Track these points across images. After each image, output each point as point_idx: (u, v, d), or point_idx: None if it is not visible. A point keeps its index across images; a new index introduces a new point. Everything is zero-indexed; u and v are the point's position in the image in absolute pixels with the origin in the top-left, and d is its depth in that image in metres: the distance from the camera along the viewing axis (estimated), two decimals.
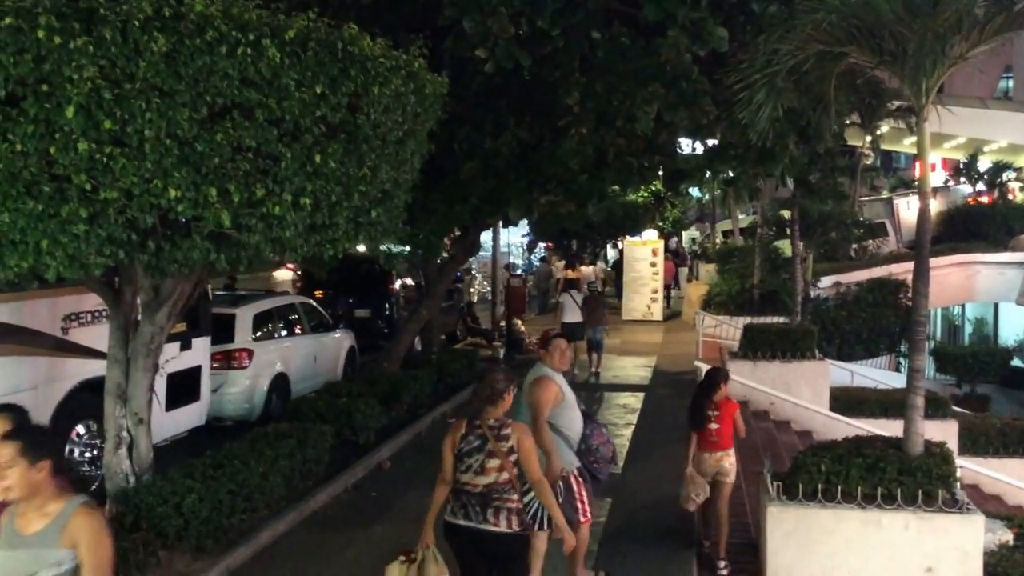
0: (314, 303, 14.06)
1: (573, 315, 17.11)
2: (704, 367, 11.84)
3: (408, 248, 13.70)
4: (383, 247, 11.03)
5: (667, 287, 27.94)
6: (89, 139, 4.88)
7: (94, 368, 7.94)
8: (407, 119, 6.90)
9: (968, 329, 30.37)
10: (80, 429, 8.31)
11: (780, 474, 7.23)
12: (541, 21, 8.68)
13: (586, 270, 27.01)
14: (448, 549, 5.19)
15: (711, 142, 11.99)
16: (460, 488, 5.10)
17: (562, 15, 8.87)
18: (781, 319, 18.19)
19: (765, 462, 7.47)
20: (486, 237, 20.03)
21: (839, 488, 6.70)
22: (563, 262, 29.25)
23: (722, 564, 7.26)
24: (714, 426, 7.40)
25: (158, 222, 5.34)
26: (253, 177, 5.54)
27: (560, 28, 8.94)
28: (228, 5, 5.35)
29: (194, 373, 10.02)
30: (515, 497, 5.11)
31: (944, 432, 12.41)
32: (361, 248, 11.49)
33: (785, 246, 21.00)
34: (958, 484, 6.87)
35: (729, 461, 7.47)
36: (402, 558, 5.21)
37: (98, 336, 7.90)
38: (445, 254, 14.97)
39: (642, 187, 16.57)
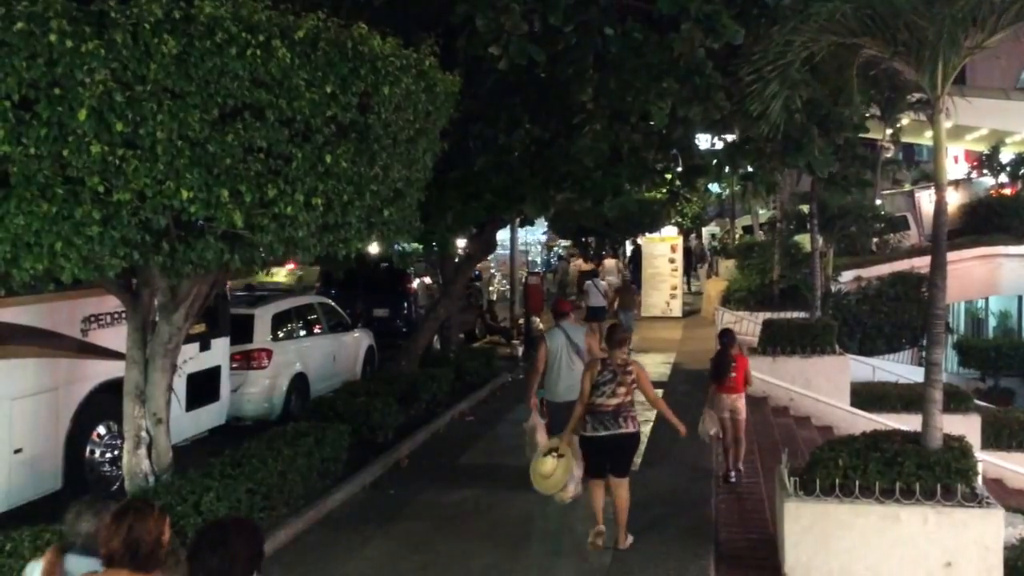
0: (333, 303, 14.12)
1: (597, 300, 19.65)
2: None
3: (422, 246, 13.72)
4: (396, 246, 11.07)
5: None
6: (102, 141, 4.91)
7: (114, 369, 8.01)
8: (418, 118, 6.91)
9: (992, 322, 30.04)
10: (101, 430, 8.40)
11: (797, 469, 7.20)
12: (554, 18, 8.66)
13: (609, 263, 28.55)
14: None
15: (730, 137, 11.92)
16: (596, 408, 7.22)
17: (575, 11, 8.85)
18: (801, 314, 18.09)
19: (782, 457, 7.44)
20: (504, 236, 20.07)
21: (857, 483, 6.66)
22: (580, 259, 30.06)
23: (732, 474, 9.57)
24: (732, 375, 9.56)
25: (171, 223, 5.38)
26: (265, 177, 5.56)
27: (573, 24, 8.92)
28: (238, 7, 5.37)
29: (213, 373, 10.10)
30: (634, 411, 7.35)
31: (967, 426, 12.33)
32: (374, 248, 11.53)
33: (805, 241, 20.86)
34: (978, 478, 6.80)
35: (741, 402, 9.67)
36: (553, 454, 7.43)
37: (117, 337, 7.97)
38: (460, 252, 14.99)
39: (658, 184, 16.58)
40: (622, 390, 7.19)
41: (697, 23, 8.81)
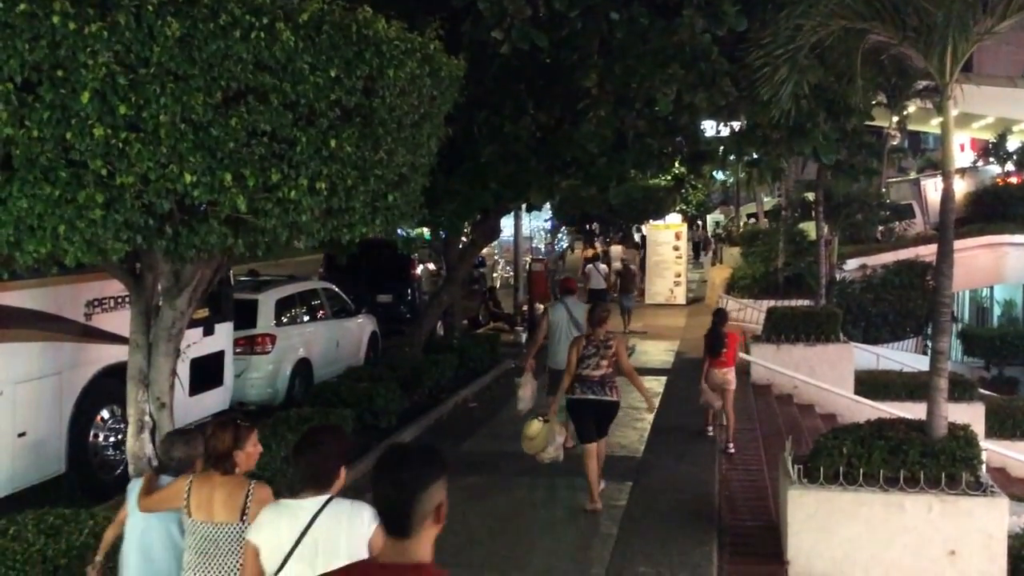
0: (336, 288, 14.12)
1: (598, 283, 21.44)
2: None
3: (427, 232, 13.69)
4: (400, 232, 11.04)
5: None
6: (105, 124, 4.87)
7: (117, 353, 8.01)
8: (423, 102, 6.86)
9: (997, 311, 30.00)
10: (104, 414, 8.40)
11: (801, 457, 7.19)
12: (558, 3, 8.60)
13: (615, 249, 29.20)
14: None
15: (736, 124, 11.87)
16: (584, 378, 8.02)
17: None
18: (806, 302, 18.05)
19: (786, 445, 7.43)
20: (508, 222, 20.07)
21: (861, 471, 6.65)
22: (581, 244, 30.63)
23: (730, 446, 10.33)
24: (723, 350, 10.47)
25: (175, 207, 5.34)
26: (268, 162, 5.52)
27: (578, 9, 8.86)
28: None
29: (217, 358, 10.09)
30: (617, 380, 8.17)
31: (971, 415, 12.28)
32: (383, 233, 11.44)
33: (810, 228, 20.82)
34: (983, 467, 6.79)
35: (732, 375, 10.61)
36: (540, 419, 8.39)
37: (121, 321, 7.97)
38: (465, 239, 14.97)
39: (663, 170, 16.56)
40: (604, 362, 8.02)
41: (698, 9, 8.76)
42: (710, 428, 10.89)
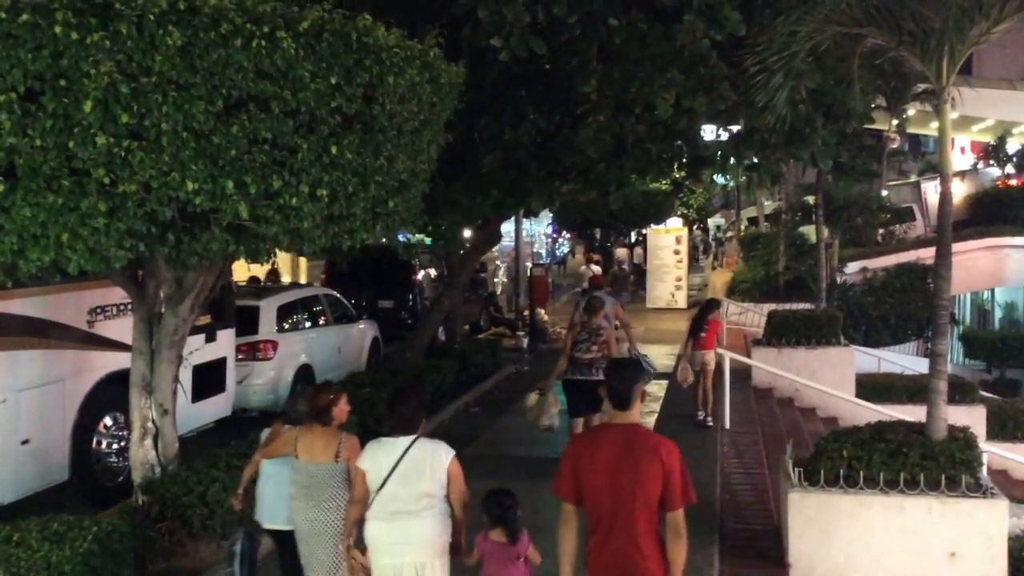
0: (338, 294, 14.15)
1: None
2: (728, 355, 11.86)
3: (427, 238, 13.73)
4: (401, 237, 11.09)
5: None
6: (107, 133, 4.91)
7: (120, 360, 8.04)
8: (423, 109, 6.90)
9: (998, 314, 30.01)
10: (107, 421, 8.43)
11: (802, 460, 7.21)
12: (557, 9, 8.63)
13: (620, 252, 30.51)
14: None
15: (735, 128, 11.88)
16: (576, 360, 9.13)
17: (579, 2, 8.82)
18: (807, 306, 18.07)
19: (787, 448, 7.45)
20: (509, 227, 20.11)
21: (861, 474, 6.67)
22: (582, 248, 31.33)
23: (708, 419, 11.60)
24: (703, 334, 11.67)
25: (177, 215, 5.39)
26: (270, 169, 5.56)
27: (577, 15, 8.89)
28: None
29: (219, 365, 10.13)
30: (604, 365, 8.69)
31: (972, 417, 12.30)
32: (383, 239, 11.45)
33: (810, 232, 20.84)
34: (983, 468, 6.81)
35: (710, 357, 11.72)
36: (537, 392, 9.70)
37: (123, 329, 8.00)
38: (467, 244, 15.01)
39: (663, 175, 16.58)
40: (595, 347, 9.12)
41: (699, 14, 8.78)
42: (700, 413, 11.62)
